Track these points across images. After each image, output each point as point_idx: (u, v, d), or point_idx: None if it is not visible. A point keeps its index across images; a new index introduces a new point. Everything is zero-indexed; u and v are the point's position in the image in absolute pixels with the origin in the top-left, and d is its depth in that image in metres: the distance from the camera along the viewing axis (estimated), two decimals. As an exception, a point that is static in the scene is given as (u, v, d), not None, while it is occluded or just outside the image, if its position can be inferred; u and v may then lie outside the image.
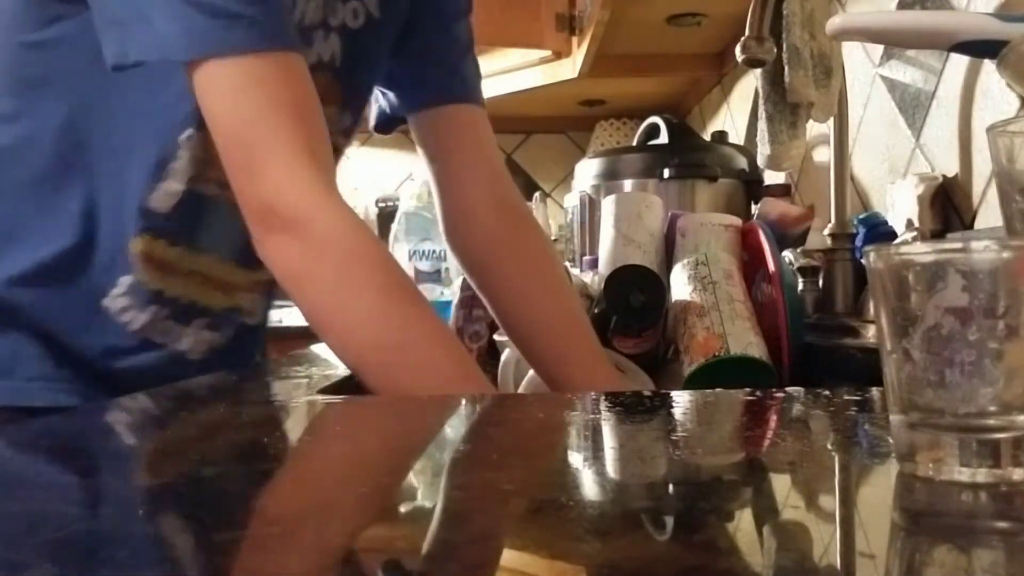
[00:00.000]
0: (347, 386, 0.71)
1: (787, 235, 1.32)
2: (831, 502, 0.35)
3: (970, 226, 1.09)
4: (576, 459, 0.43)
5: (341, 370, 0.78)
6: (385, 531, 0.31)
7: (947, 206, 1.14)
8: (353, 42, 0.85)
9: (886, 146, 1.33)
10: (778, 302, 0.93)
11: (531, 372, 0.91)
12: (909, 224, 1.13)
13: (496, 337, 1.08)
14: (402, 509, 0.35)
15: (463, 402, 0.61)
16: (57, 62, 0.76)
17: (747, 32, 1.01)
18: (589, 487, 0.37)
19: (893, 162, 1.31)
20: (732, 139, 1.78)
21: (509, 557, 0.28)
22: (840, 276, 1.15)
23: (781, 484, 0.38)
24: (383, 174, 2.73)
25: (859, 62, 1.38)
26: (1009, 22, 0.70)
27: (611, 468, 0.41)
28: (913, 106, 1.25)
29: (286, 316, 1.47)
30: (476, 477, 0.39)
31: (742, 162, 1.60)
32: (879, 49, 1.34)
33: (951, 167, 1.15)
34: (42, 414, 0.70)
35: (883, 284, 0.34)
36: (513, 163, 2.94)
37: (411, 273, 1.92)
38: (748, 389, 0.57)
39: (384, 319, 0.69)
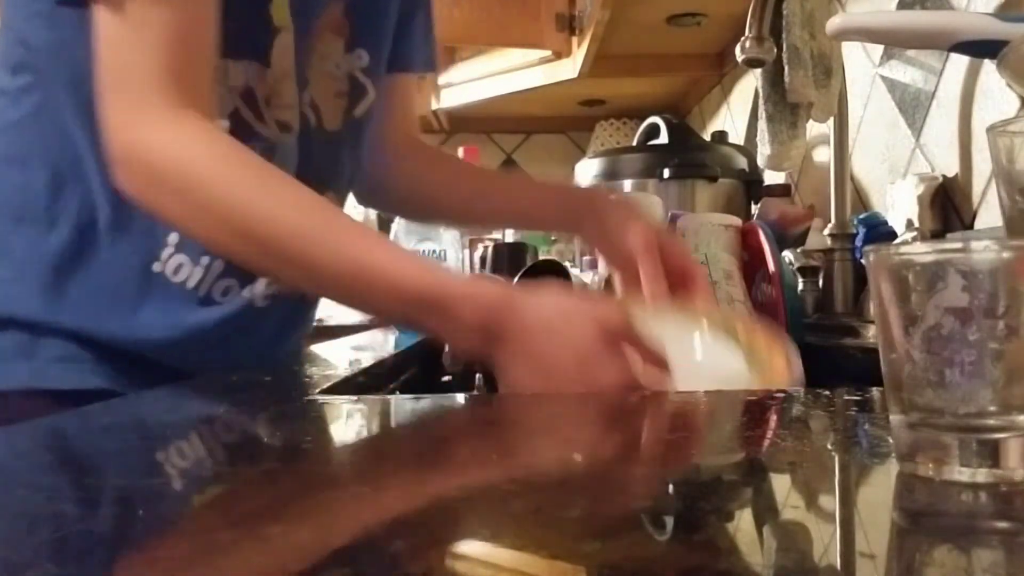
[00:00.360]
0: (347, 386, 0.71)
1: (787, 235, 1.32)
2: (831, 502, 0.35)
3: (970, 226, 1.09)
4: (576, 459, 0.43)
5: (341, 370, 0.78)
6: (385, 531, 0.31)
7: (947, 206, 1.14)
8: None
9: (886, 146, 1.33)
10: (778, 302, 0.94)
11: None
12: (909, 224, 1.13)
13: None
14: (402, 509, 0.35)
15: (463, 402, 0.61)
16: (68, 30, 0.75)
17: (747, 32, 1.01)
18: (589, 487, 0.37)
19: (893, 162, 1.31)
20: (732, 139, 1.78)
21: (509, 557, 0.28)
22: (840, 276, 1.15)
23: (781, 484, 0.38)
24: (383, 174, 2.73)
25: (859, 62, 1.38)
26: (1009, 22, 0.70)
27: (611, 468, 0.41)
28: (913, 106, 1.25)
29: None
30: (476, 477, 0.39)
31: (742, 162, 1.60)
32: (879, 49, 1.35)
33: (951, 167, 1.15)
34: (66, 398, 0.70)
35: (883, 284, 0.34)
36: (513, 163, 2.95)
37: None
38: (748, 389, 0.57)
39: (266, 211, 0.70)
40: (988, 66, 1.05)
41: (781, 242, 1.19)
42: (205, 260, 0.80)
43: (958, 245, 0.33)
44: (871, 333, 0.97)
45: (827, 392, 0.54)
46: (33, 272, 0.78)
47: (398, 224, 2.05)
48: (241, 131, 0.78)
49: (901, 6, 1.27)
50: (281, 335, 0.90)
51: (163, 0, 0.70)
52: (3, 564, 0.28)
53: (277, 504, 0.35)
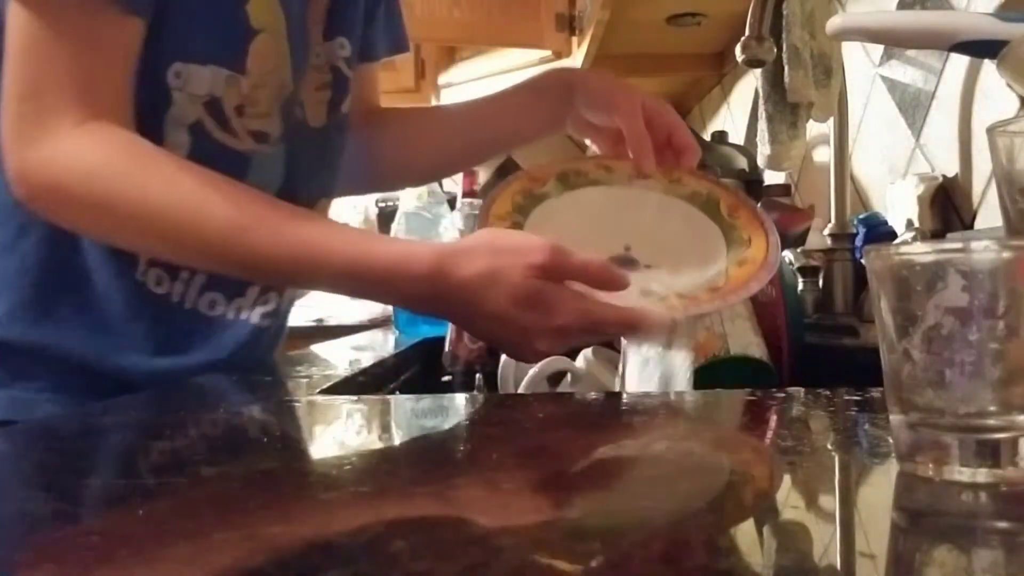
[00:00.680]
0: (347, 386, 0.71)
1: (787, 235, 1.32)
2: (831, 502, 0.35)
3: (970, 226, 1.09)
4: (576, 459, 0.43)
5: (341, 370, 0.78)
6: (385, 531, 0.31)
7: (947, 206, 1.14)
8: None
9: (886, 146, 1.33)
10: (778, 302, 0.93)
11: (531, 372, 0.90)
12: (909, 224, 1.13)
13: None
14: (402, 509, 0.35)
15: (463, 402, 0.61)
16: None
17: (747, 32, 1.01)
18: (589, 487, 0.37)
19: (893, 162, 1.31)
20: (732, 139, 1.78)
21: (509, 557, 0.28)
22: (840, 276, 1.15)
23: (781, 484, 0.38)
24: (383, 174, 2.73)
25: (859, 62, 1.38)
26: (1009, 22, 0.70)
27: (611, 468, 0.41)
28: (913, 106, 1.25)
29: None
30: (476, 477, 0.39)
31: (742, 162, 1.60)
32: (879, 49, 1.34)
33: (951, 167, 1.15)
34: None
35: (883, 284, 0.34)
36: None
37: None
38: (748, 389, 0.57)
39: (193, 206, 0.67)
40: (988, 66, 1.05)
41: (781, 242, 1.19)
42: (184, 275, 0.78)
43: (958, 245, 0.33)
44: (871, 333, 0.97)
45: (827, 392, 0.54)
46: (12, 282, 0.75)
47: (398, 224, 2.05)
48: (202, 144, 0.74)
49: (901, 6, 1.27)
50: (267, 353, 0.89)
51: (78, 8, 0.67)
52: (3, 564, 0.28)
53: (277, 504, 0.35)
